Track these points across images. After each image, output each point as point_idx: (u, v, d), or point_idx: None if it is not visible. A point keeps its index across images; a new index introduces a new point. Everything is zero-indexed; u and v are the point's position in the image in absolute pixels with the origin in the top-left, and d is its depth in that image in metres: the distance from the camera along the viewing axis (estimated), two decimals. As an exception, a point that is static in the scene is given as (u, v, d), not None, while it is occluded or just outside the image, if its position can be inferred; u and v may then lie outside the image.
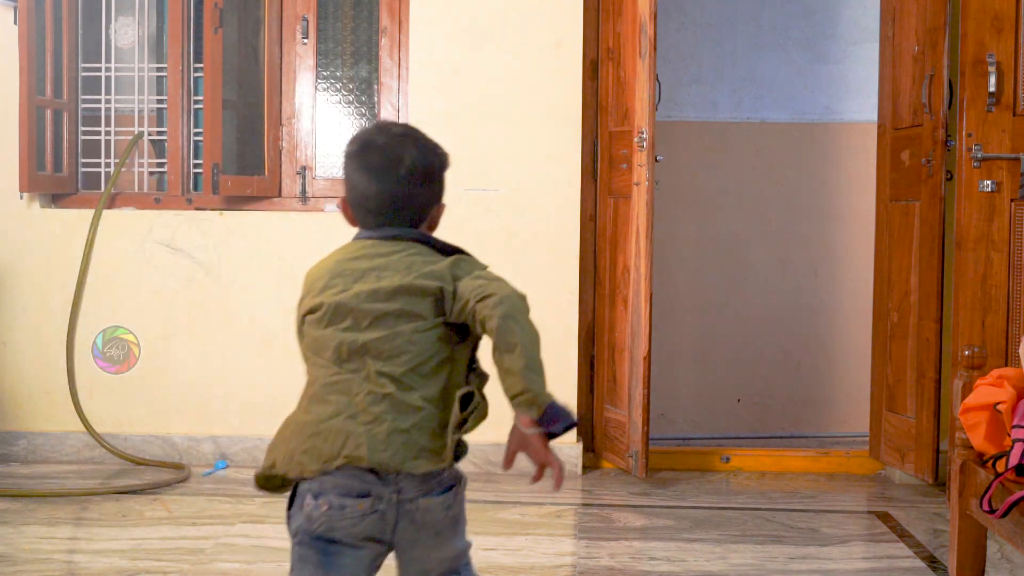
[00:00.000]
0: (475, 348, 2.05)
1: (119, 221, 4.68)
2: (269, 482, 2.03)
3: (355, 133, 2.10)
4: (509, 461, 1.97)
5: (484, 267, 2.04)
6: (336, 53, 4.88)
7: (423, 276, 1.98)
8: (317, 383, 2.00)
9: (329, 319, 1.99)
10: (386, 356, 1.95)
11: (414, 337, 1.96)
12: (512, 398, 1.92)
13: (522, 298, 1.95)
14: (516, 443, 1.94)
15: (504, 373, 1.92)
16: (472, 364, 2.05)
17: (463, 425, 1.97)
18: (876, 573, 3.48)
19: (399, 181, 2.02)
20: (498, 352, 1.92)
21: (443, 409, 1.97)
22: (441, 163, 2.08)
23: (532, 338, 1.92)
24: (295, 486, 2.00)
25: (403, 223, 2.05)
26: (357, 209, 2.07)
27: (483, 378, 2.05)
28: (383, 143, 2.04)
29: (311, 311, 2.01)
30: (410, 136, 2.06)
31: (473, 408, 1.97)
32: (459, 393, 1.97)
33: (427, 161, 2.05)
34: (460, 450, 1.99)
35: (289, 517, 2.01)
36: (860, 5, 5.44)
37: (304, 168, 4.82)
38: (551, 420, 1.90)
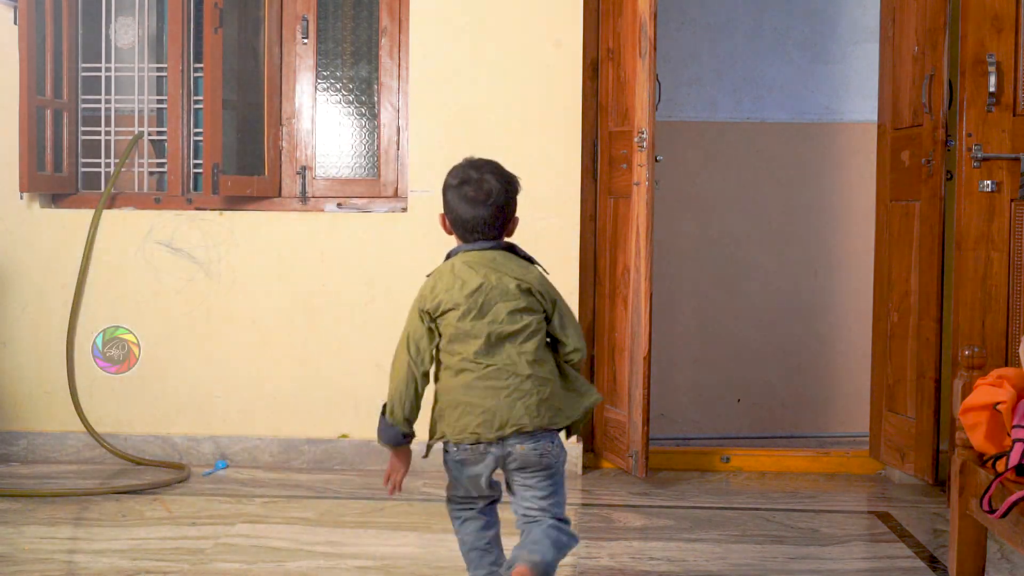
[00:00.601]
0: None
1: (119, 221, 4.68)
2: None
3: (453, 168, 2.81)
4: None
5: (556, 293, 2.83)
6: (336, 53, 4.88)
7: (530, 278, 2.76)
8: (470, 374, 2.71)
9: (475, 315, 2.71)
10: (521, 341, 2.71)
11: (535, 325, 2.74)
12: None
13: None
14: None
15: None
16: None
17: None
18: (876, 573, 3.48)
19: (488, 207, 2.76)
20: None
21: (557, 379, 2.75)
22: (517, 189, 2.82)
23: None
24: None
25: (492, 236, 2.80)
26: (457, 227, 2.81)
27: None
28: (476, 178, 2.77)
29: (451, 309, 2.72)
30: (494, 172, 2.79)
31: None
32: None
33: (507, 190, 2.79)
34: (574, 426, 2.80)
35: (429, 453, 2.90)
36: (860, 5, 5.44)
37: (304, 168, 4.82)
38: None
